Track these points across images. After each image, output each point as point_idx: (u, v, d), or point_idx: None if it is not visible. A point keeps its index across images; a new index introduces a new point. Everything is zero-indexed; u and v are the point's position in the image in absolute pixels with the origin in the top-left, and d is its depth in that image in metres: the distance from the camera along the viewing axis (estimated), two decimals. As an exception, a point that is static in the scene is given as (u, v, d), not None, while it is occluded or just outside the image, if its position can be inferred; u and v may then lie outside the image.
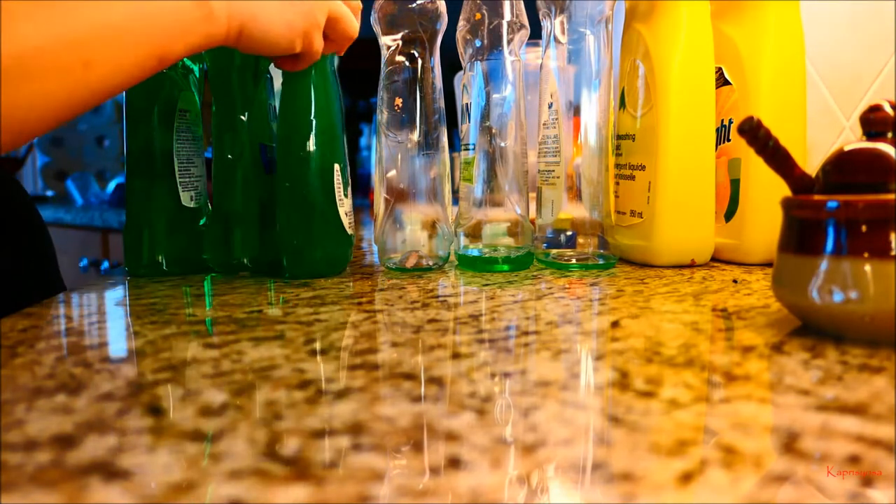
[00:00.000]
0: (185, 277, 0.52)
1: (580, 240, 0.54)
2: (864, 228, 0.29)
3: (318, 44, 0.44)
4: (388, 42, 0.52)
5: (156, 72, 0.36)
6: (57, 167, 2.46)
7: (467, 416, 0.22)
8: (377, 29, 0.53)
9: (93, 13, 0.32)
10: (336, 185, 0.50)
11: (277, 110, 0.51)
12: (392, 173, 0.53)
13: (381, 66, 0.53)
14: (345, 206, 0.51)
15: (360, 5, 0.48)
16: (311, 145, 0.49)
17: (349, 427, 0.22)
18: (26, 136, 0.32)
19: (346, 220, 0.51)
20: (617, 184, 0.58)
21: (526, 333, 0.34)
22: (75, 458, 0.19)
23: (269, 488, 0.17)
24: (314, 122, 0.50)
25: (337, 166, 0.50)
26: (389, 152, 0.53)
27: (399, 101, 0.52)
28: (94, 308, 0.42)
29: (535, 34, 0.55)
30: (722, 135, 0.58)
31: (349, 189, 0.53)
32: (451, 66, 0.62)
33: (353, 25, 0.47)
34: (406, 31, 0.52)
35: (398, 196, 0.53)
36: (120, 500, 0.17)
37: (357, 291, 0.46)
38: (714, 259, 0.58)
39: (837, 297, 0.30)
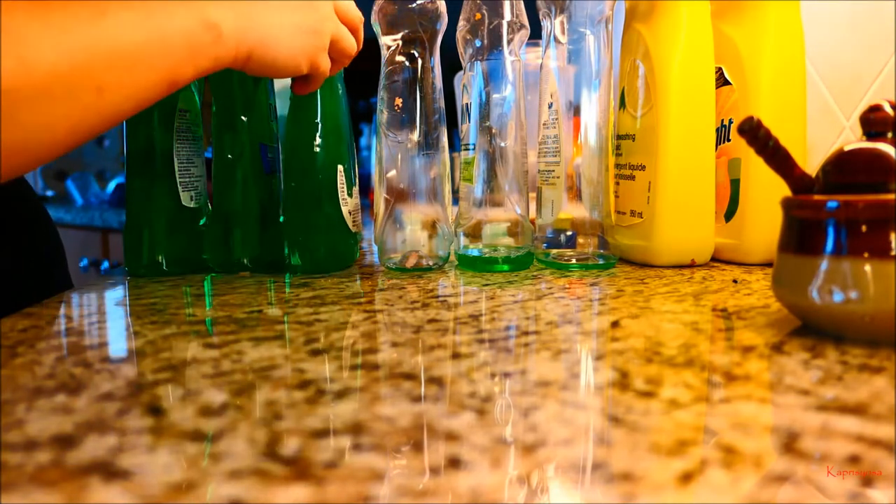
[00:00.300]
0: (185, 277, 0.52)
1: (580, 240, 0.54)
2: (864, 228, 0.29)
3: (325, 65, 0.45)
4: (388, 42, 0.52)
5: (164, 97, 0.35)
6: (57, 167, 2.46)
7: (467, 416, 0.22)
8: (377, 29, 0.53)
9: (106, 36, 0.31)
10: (339, 186, 0.51)
11: (280, 110, 0.52)
12: (392, 173, 0.53)
13: (381, 66, 0.53)
14: (348, 205, 0.52)
15: (361, 18, 0.49)
16: (316, 148, 0.51)
17: (349, 427, 0.22)
18: (33, 163, 0.31)
19: (350, 219, 0.52)
20: (617, 184, 0.58)
21: (526, 333, 0.34)
22: (75, 458, 0.19)
23: (269, 488, 0.17)
24: (319, 126, 0.51)
25: (340, 167, 0.51)
26: (389, 152, 0.53)
27: (399, 101, 0.52)
28: (94, 308, 0.42)
29: (535, 34, 0.55)
30: (722, 135, 0.58)
31: (354, 188, 0.54)
32: (451, 66, 0.62)
33: (352, 44, 0.47)
34: (406, 31, 0.52)
35: (398, 196, 0.53)
36: (120, 500, 0.17)
37: (357, 291, 0.46)
38: (714, 259, 0.58)
39: (837, 297, 0.30)
